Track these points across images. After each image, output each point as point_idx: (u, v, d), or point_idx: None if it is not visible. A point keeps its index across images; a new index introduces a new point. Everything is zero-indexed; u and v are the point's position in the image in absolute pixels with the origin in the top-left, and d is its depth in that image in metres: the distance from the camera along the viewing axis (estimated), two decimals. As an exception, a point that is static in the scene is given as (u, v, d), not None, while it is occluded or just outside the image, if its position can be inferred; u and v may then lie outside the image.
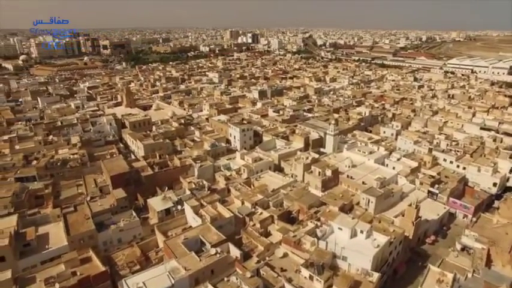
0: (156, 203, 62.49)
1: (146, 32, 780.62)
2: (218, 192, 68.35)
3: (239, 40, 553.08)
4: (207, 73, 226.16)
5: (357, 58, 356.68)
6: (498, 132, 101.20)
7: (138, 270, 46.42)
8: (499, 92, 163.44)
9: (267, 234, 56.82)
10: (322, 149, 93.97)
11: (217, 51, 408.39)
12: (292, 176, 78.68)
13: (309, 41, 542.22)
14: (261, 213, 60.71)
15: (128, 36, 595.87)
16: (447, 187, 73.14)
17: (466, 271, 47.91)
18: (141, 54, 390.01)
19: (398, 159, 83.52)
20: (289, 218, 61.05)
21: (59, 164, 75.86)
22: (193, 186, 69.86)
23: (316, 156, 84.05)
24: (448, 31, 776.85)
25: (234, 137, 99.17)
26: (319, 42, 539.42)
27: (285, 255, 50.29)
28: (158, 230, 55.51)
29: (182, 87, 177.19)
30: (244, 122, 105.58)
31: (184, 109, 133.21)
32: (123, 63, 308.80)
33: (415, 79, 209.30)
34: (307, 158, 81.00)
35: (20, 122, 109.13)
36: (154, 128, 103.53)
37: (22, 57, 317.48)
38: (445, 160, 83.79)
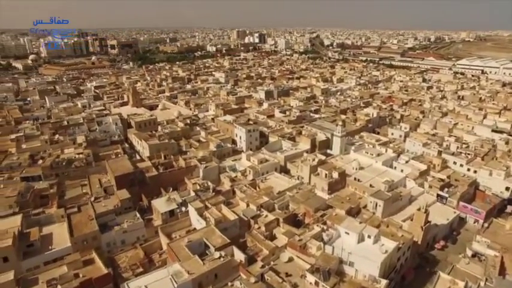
0: (160, 205, 61.89)
1: (153, 32, 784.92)
2: (223, 193, 67.64)
3: (246, 40, 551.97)
4: (213, 73, 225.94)
5: (364, 58, 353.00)
6: (510, 135, 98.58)
7: (141, 273, 45.84)
8: (511, 93, 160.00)
9: (272, 237, 55.85)
10: (329, 151, 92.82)
11: (224, 51, 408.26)
12: (298, 178, 77.58)
13: (316, 41, 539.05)
14: (266, 216, 59.87)
15: (136, 36, 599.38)
16: (457, 191, 71.32)
17: (478, 279, 46.36)
18: (148, 54, 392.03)
19: (406, 162, 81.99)
20: (294, 221, 60.04)
21: (64, 163, 75.93)
22: (198, 187, 69.21)
23: (323, 158, 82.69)
24: (458, 31, 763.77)
25: (240, 137, 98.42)
26: (326, 42, 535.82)
27: (290, 259, 49.37)
28: (162, 232, 55.01)
29: (188, 87, 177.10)
30: (251, 122, 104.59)
31: (190, 109, 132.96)
32: (130, 63, 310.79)
33: (424, 80, 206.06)
34: (313, 159, 79.68)
35: (27, 121, 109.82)
36: (160, 128, 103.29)
37: (31, 56, 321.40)
38: (455, 163, 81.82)
